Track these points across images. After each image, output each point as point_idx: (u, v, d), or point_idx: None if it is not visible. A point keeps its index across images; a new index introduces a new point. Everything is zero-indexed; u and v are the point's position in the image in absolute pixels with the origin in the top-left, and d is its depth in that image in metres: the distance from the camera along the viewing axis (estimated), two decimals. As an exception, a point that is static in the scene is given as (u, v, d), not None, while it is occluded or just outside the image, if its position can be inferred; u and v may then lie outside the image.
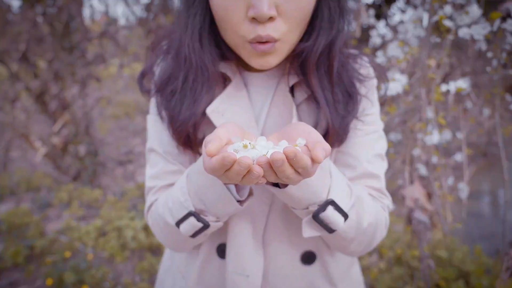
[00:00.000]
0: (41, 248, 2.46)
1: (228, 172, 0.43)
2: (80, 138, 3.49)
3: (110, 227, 2.59)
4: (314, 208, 0.56)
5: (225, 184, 0.55)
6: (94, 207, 3.14)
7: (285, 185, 0.55)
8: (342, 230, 0.59)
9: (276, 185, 0.58)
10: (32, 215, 2.94)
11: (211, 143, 0.42)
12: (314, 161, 0.43)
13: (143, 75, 0.72)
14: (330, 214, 0.56)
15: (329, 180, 0.57)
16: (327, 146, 0.44)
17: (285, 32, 0.56)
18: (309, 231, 0.59)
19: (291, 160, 0.42)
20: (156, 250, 2.50)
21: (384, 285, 1.86)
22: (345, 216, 0.57)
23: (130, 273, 2.32)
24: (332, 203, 0.56)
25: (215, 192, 0.56)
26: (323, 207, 0.56)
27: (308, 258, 0.70)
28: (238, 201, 0.58)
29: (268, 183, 0.58)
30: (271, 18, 0.54)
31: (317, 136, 0.47)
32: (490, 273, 1.92)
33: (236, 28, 0.56)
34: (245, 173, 0.42)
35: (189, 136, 0.64)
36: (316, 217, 0.56)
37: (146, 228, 2.57)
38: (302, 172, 0.44)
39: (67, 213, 2.98)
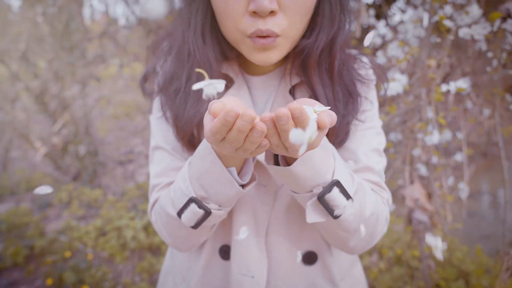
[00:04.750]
0: (41, 248, 2.46)
1: (230, 133, 0.42)
2: (80, 138, 3.50)
3: (110, 227, 2.59)
4: (318, 190, 0.55)
5: (227, 174, 0.54)
6: (94, 207, 3.14)
7: (289, 165, 0.54)
8: (346, 217, 0.58)
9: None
10: (32, 215, 2.94)
11: (215, 103, 0.41)
12: (319, 126, 0.42)
13: (145, 77, 0.72)
14: (336, 195, 0.54)
15: (333, 162, 0.56)
16: (333, 113, 0.44)
17: (286, 28, 0.56)
18: (313, 216, 0.57)
19: (296, 119, 0.40)
20: (156, 250, 2.50)
21: (384, 285, 1.86)
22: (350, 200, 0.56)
23: (130, 273, 2.32)
24: (338, 184, 0.54)
25: (215, 175, 0.55)
26: (328, 188, 0.54)
27: (310, 258, 0.70)
28: (240, 185, 0.57)
29: (272, 161, 0.57)
30: (272, 13, 0.54)
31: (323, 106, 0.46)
32: (490, 273, 1.92)
33: (236, 23, 0.56)
34: (248, 131, 0.41)
35: (193, 136, 0.64)
36: (321, 198, 0.55)
37: (146, 228, 2.57)
38: None
39: (67, 213, 2.99)
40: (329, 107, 0.45)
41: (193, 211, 0.58)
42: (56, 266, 2.29)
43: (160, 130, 0.70)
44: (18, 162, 4.18)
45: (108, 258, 2.44)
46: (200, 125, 0.63)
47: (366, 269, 1.90)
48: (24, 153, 4.16)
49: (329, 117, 0.43)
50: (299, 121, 0.41)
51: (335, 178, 0.55)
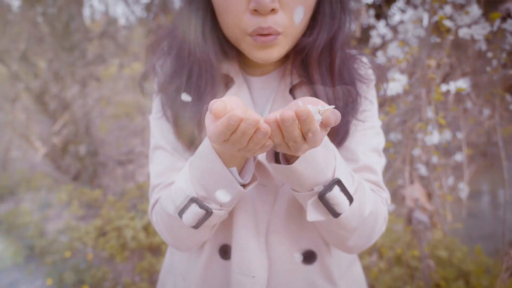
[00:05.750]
0: (41, 248, 2.46)
1: (234, 135, 0.41)
2: (80, 138, 3.50)
3: (110, 227, 2.59)
4: (319, 189, 0.55)
5: (228, 174, 0.54)
6: (94, 207, 3.14)
7: (290, 163, 0.54)
8: (346, 215, 0.58)
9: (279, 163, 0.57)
10: (32, 215, 2.94)
11: (216, 103, 0.40)
12: (324, 124, 0.42)
13: (144, 77, 0.72)
14: (337, 194, 0.55)
15: (334, 161, 0.56)
16: (337, 112, 0.44)
17: (287, 25, 0.56)
18: (314, 214, 0.57)
19: (303, 121, 0.40)
20: (156, 250, 2.50)
21: (384, 285, 1.86)
22: (350, 199, 0.56)
23: (130, 273, 2.32)
24: (338, 182, 0.55)
25: (216, 175, 0.55)
26: (329, 186, 0.54)
27: (309, 257, 0.70)
28: (241, 185, 0.57)
29: (273, 160, 0.57)
30: (273, 10, 0.54)
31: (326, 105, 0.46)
32: (490, 273, 1.92)
33: (237, 21, 0.56)
34: (252, 133, 0.41)
35: (194, 135, 0.64)
36: (322, 197, 0.55)
37: (146, 228, 2.57)
38: (310, 137, 0.43)
39: (67, 213, 2.99)
40: (333, 106, 0.45)
41: (194, 211, 0.58)
42: (56, 266, 2.29)
43: (160, 130, 0.70)
44: (18, 162, 4.18)
45: (108, 258, 2.45)
46: (201, 124, 0.63)
47: (366, 269, 1.90)
48: (24, 153, 4.16)
49: (334, 115, 0.43)
50: (305, 124, 0.41)
51: (336, 176, 0.55)
